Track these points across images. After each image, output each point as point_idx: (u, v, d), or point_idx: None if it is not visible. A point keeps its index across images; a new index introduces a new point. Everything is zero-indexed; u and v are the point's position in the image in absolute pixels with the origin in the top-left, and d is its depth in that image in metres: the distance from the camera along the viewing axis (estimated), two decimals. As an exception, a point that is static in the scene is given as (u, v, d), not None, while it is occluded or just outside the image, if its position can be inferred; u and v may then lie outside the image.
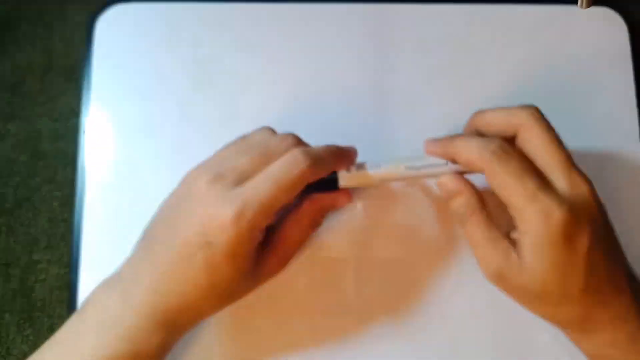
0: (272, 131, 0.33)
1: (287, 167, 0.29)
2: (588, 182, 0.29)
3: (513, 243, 0.29)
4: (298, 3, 0.42)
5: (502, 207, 0.30)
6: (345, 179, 0.33)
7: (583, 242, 0.28)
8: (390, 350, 0.36)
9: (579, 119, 0.40)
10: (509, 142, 0.31)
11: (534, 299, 0.30)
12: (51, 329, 0.38)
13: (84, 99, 0.40)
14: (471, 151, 0.30)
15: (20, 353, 0.38)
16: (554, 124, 0.39)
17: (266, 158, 0.30)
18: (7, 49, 0.43)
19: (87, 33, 0.41)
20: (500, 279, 0.30)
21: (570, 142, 0.39)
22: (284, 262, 0.33)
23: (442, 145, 0.32)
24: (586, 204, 0.28)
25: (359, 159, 0.35)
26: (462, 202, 0.31)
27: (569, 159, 0.30)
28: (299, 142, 0.32)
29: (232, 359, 0.35)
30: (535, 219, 0.28)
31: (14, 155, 0.41)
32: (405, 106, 0.40)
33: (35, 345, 0.38)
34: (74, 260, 0.37)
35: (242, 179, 0.29)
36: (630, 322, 0.29)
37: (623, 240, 0.31)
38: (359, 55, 0.41)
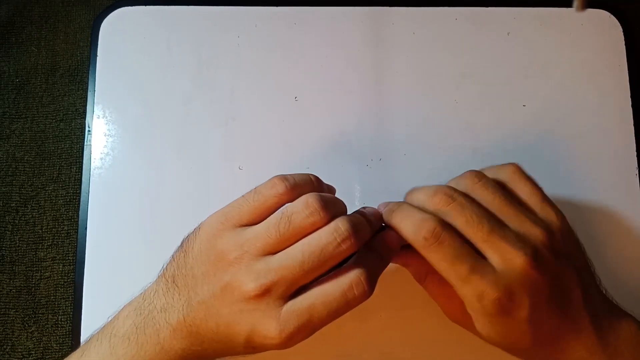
0: (319, 205, 0.28)
1: (348, 296, 0.27)
2: (524, 248, 0.29)
3: None
4: (297, 7, 0.42)
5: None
6: None
7: (522, 311, 0.28)
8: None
9: (574, 120, 0.40)
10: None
11: (494, 344, 0.31)
12: (55, 326, 0.39)
13: (88, 99, 0.41)
14: (407, 231, 0.30)
15: (24, 349, 0.38)
16: (550, 124, 0.40)
17: (320, 263, 0.27)
18: (12, 50, 0.44)
19: (92, 35, 0.42)
20: (462, 326, 0.32)
21: (565, 144, 0.40)
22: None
23: (385, 213, 0.32)
24: (521, 276, 0.28)
25: (359, 159, 0.35)
26: (412, 271, 0.33)
27: (491, 233, 0.29)
28: (352, 231, 0.28)
29: None
30: (470, 298, 0.28)
31: (20, 154, 0.42)
32: (402, 108, 0.41)
33: (39, 342, 0.38)
34: (79, 258, 0.38)
35: (290, 289, 0.27)
36: (596, 356, 0.30)
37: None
38: (357, 56, 0.41)
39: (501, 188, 0.32)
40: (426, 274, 0.32)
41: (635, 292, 0.36)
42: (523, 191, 0.33)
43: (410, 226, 0.29)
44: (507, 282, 0.28)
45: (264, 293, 0.27)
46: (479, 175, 0.32)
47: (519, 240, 0.29)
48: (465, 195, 0.31)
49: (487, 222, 0.30)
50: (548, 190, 0.34)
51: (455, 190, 0.31)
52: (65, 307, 0.39)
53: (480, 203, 0.31)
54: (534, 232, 0.30)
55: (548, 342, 0.30)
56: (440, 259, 0.29)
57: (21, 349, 0.38)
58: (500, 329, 0.29)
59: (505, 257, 0.29)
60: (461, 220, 0.30)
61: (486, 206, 0.31)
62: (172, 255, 0.31)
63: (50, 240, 0.40)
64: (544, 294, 0.29)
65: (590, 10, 0.42)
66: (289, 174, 0.30)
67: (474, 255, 0.29)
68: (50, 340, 0.39)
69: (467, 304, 0.29)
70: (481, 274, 0.28)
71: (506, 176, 0.33)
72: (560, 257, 0.30)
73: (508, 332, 0.29)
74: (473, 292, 0.28)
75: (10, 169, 0.41)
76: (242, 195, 0.30)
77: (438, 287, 0.32)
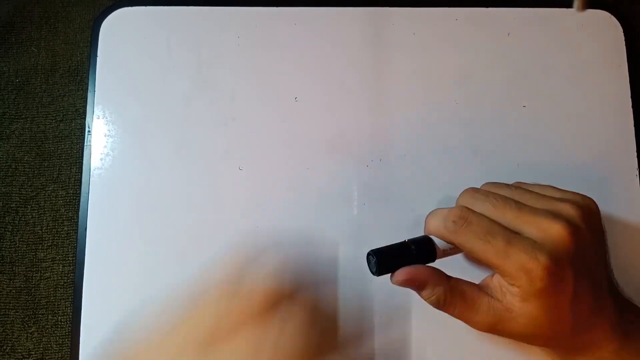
0: None
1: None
2: (558, 218, 0.28)
3: (492, 291, 0.29)
4: (297, 7, 0.42)
5: None
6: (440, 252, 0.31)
7: (568, 284, 0.27)
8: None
9: (574, 120, 0.40)
10: None
11: (525, 338, 0.30)
12: (55, 327, 0.39)
13: (88, 99, 0.41)
14: (437, 228, 0.30)
15: (24, 350, 0.38)
16: (550, 125, 0.40)
17: None
18: (12, 51, 0.44)
19: (92, 35, 0.42)
20: (492, 331, 0.30)
21: (565, 144, 0.40)
22: None
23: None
24: (562, 245, 0.28)
25: (359, 159, 0.35)
26: (428, 293, 0.30)
27: (521, 210, 0.29)
28: None
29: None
30: (516, 274, 0.27)
31: (19, 155, 0.42)
32: (403, 108, 0.40)
33: (39, 343, 0.38)
34: (79, 258, 0.38)
35: None
36: (615, 340, 0.29)
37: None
38: (357, 56, 0.41)
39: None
40: (444, 299, 0.30)
41: (635, 293, 0.36)
42: (535, 187, 0.33)
43: (439, 219, 0.30)
44: (551, 250, 0.27)
45: None
46: (490, 183, 0.34)
47: (551, 213, 0.29)
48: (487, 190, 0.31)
49: (514, 202, 0.29)
50: (548, 190, 0.34)
51: (476, 188, 0.32)
52: (65, 307, 0.39)
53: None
54: (564, 207, 0.29)
55: (583, 322, 0.29)
56: (472, 237, 0.28)
57: (21, 349, 0.38)
58: (547, 306, 0.27)
59: (542, 228, 0.28)
60: (487, 206, 0.30)
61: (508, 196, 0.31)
62: None
63: (50, 241, 0.40)
64: (583, 265, 0.28)
65: (590, 10, 0.42)
66: None
67: (508, 230, 0.28)
68: (50, 340, 0.39)
69: (514, 281, 0.28)
70: (521, 244, 0.27)
71: (513, 186, 0.33)
72: (591, 230, 0.29)
73: (554, 311, 0.28)
74: (518, 265, 0.27)
75: (10, 169, 0.41)
76: None
77: (460, 307, 0.30)
